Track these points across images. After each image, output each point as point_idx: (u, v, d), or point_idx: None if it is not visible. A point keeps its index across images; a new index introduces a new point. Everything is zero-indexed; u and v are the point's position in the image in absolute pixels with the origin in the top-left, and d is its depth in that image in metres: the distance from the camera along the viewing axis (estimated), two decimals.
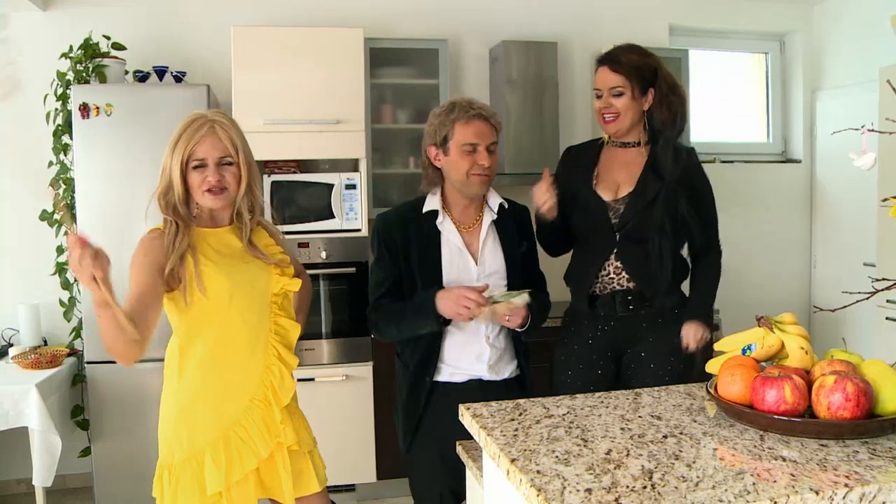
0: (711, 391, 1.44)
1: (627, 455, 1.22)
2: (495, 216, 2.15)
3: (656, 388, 1.62)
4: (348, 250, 3.48)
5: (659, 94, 2.19)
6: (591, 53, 4.09)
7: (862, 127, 1.60)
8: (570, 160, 2.38)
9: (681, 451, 1.23)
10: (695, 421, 1.39)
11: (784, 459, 1.19)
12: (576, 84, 4.14)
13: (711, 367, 1.58)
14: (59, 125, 3.36)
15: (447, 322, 2.03)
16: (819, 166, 4.60)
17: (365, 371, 3.48)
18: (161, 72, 3.54)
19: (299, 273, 2.02)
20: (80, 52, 3.37)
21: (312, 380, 3.39)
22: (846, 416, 1.25)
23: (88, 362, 3.27)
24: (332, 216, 3.46)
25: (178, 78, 3.54)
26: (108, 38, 3.45)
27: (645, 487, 1.08)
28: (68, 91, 3.29)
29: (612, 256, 2.21)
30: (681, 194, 2.17)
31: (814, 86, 4.59)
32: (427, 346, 2.10)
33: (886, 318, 3.53)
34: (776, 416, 1.29)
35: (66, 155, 3.39)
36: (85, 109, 3.18)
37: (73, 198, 3.30)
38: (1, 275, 3.60)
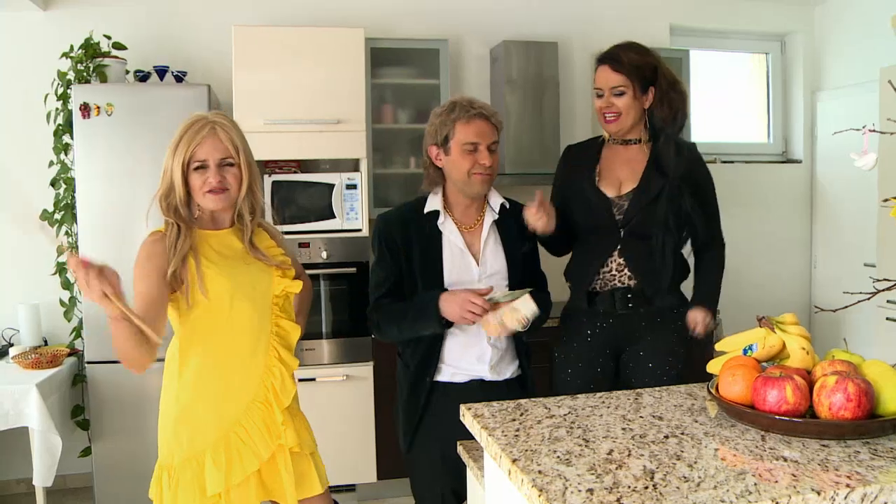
0: (713, 391, 1.44)
1: (629, 455, 1.22)
2: (496, 216, 2.15)
3: (657, 389, 1.62)
4: (349, 250, 3.48)
5: (659, 92, 2.19)
6: (591, 53, 4.09)
7: (863, 127, 1.60)
8: (571, 158, 2.38)
9: (682, 451, 1.23)
10: (696, 421, 1.39)
11: (785, 460, 1.19)
12: (576, 84, 4.14)
13: (712, 367, 1.58)
14: (59, 125, 3.36)
15: (450, 324, 2.03)
16: (819, 167, 4.60)
17: (365, 371, 3.48)
18: (162, 71, 3.55)
19: (300, 275, 2.02)
20: (80, 51, 3.37)
21: (313, 380, 3.39)
22: (847, 416, 1.25)
23: (89, 362, 3.27)
24: (332, 216, 3.46)
25: (179, 78, 3.54)
26: (108, 37, 3.46)
27: (647, 488, 1.08)
28: (69, 91, 3.29)
29: (616, 253, 2.21)
30: (685, 190, 2.18)
31: (814, 86, 4.59)
32: (428, 346, 2.10)
33: (887, 319, 3.52)
34: (777, 417, 1.29)
35: (66, 155, 3.39)
36: (85, 109, 3.18)
37: (73, 198, 3.30)
38: (1, 275, 3.60)
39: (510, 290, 2.09)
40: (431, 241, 2.10)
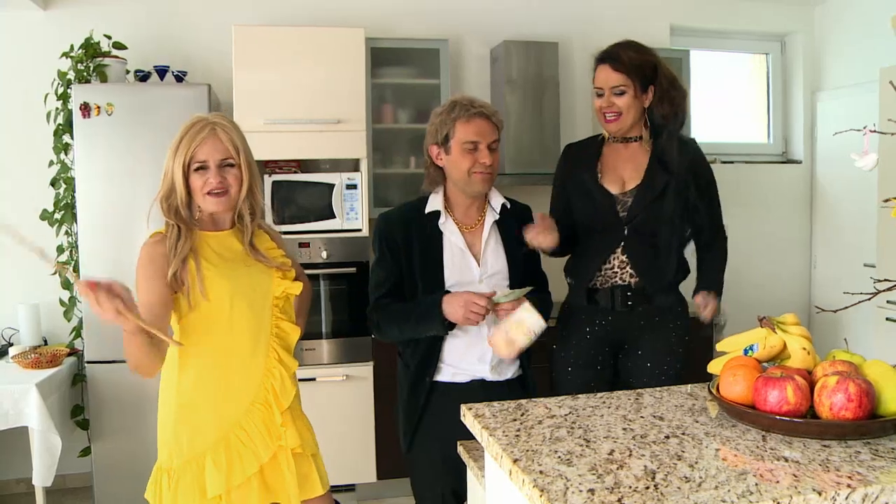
0: (713, 391, 1.44)
1: (630, 455, 1.22)
2: (497, 216, 2.15)
3: (658, 389, 1.62)
4: (349, 250, 3.48)
5: (659, 91, 2.19)
6: (591, 54, 4.06)
7: (864, 128, 1.60)
8: (571, 156, 2.38)
9: (683, 451, 1.23)
10: (697, 421, 1.39)
11: (786, 460, 1.19)
12: (576, 84, 4.14)
13: (713, 367, 1.58)
14: (59, 124, 3.36)
15: (452, 326, 2.03)
16: (819, 167, 4.61)
17: (365, 371, 3.48)
18: (162, 71, 3.54)
19: (299, 276, 2.02)
20: (80, 51, 3.37)
21: (313, 380, 3.39)
22: (848, 416, 1.25)
23: (88, 362, 3.27)
24: (332, 216, 3.46)
25: (179, 77, 3.54)
26: (108, 37, 3.45)
27: (648, 488, 1.08)
28: (69, 90, 3.29)
29: (619, 250, 2.21)
30: (689, 185, 2.18)
31: (814, 86, 4.59)
32: (428, 346, 2.10)
33: (886, 319, 3.53)
34: (778, 417, 1.29)
35: (66, 154, 3.39)
36: (86, 109, 3.18)
37: (73, 197, 3.30)
38: (1, 274, 3.59)
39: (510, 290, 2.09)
40: (432, 242, 2.10)
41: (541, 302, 2.12)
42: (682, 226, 2.21)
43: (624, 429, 1.35)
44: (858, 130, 1.61)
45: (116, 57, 3.44)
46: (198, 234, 1.86)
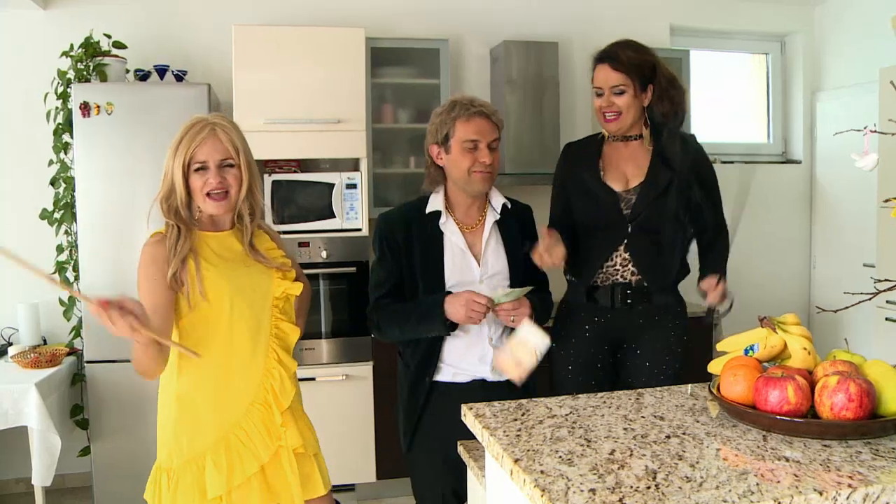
0: (714, 391, 1.44)
1: (631, 455, 1.22)
2: (498, 216, 2.15)
3: (658, 389, 1.62)
4: (349, 250, 3.48)
5: (659, 89, 2.19)
6: (591, 54, 4.08)
7: (864, 128, 1.60)
8: (571, 155, 2.37)
9: (684, 451, 1.23)
10: (697, 421, 1.39)
11: (787, 460, 1.19)
12: (576, 84, 4.14)
13: (713, 367, 1.58)
14: (59, 124, 3.36)
15: (454, 327, 2.03)
16: (819, 167, 4.61)
17: (365, 371, 3.48)
18: (162, 71, 3.54)
19: (298, 277, 2.02)
20: (80, 50, 3.37)
21: (313, 379, 3.39)
22: (849, 416, 1.25)
23: (88, 361, 3.26)
24: (332, 216, 3.46)
25: (179, 77, 3.53)
26: (108, 36, 3.45)
27: (649, 488, 1.08)
28: (69, 90, 3.29)
29: (622, 248, 2.21)
30: (692, 183, 2.18)
31: (814, 86, 4.59)
32: (428, 346, 2.10)
33: (886, 319, 3.53)
34: (779, 417, 1.29)
35: (66, 154, 3.38)
36: (85, 108, 3.18)
37: (73, 197, 3.29)
38: (0, 274, 3.59)
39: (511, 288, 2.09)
40: (433, 242, 2.10)
41: (541, 302, 2.13)
42: (686, 223, 2.21)
43: (625, 429, 1.35)
44: (859, 131, 1.61)
45: (116, 56, 3.44)
46: (197, 235, 1.86)
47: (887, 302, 3.42)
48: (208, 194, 1.81)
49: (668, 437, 1.31)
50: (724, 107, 4.71)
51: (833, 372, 1.32)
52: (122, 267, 3.14)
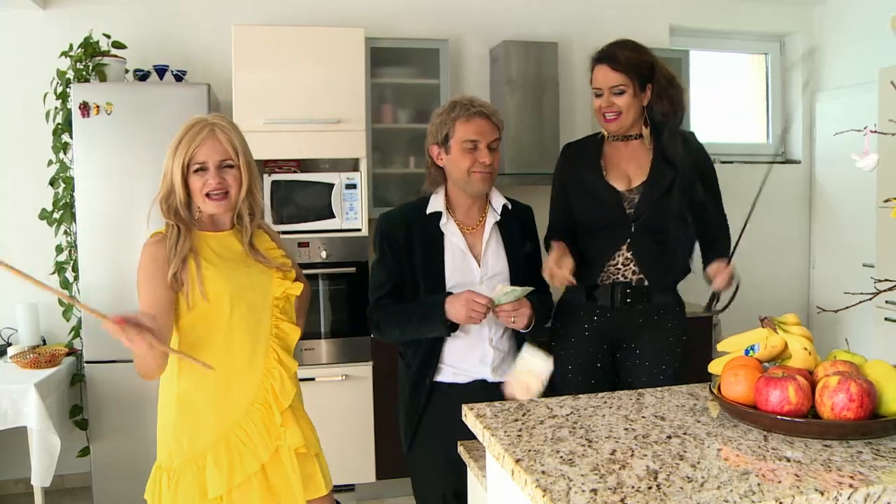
0: (715, 392, 1.44)
1: (632, 455, 1.22)
2: (498, 217, 2.15)
3: (659, 389, 1.62)
4: (348, 250, 3.48)
5: (658, 88, 2.20)
6: (590, 54, 4.10)
7: (864, 128, 1.60)
8: (571, 155, 2.37)
9: (685, 451, 1.23)
10: (698, 421, 1.39)
11: (788, 460, 1.19)
12: (576, 84, 4.14)
13: (714, 367, 1.58)
14: (58, 124, 3.35)
15: (455, 328, 2.03)
16: (818, 167, 4.61)
17: (364, 371, 3.48)
18: (161, 71, 3.54)
19: (297, 277, 2.03)
20: (80, 50, 3.37)
21: (312, 379, 3.38)
22: (850, 416, 1.25)
23: (87, 362, 3.26)
24: (332, 216, 3.46)
25: (179, 77, 3.53)
26: (108, 36, 3.45)
27: (650, 488, 1.08)
28: (68, 90, 3.29)
29: (624, 247, 2.21)
30: (695, 182, 2.18)
31: (813, 87, 4.59)
32: (428, 347, 2.10)
33: (885, 319, 3.53)
34: (780, 417, 1.29)
35: (65, 154, 3.38)
36: (85, 108, 3.18)
37: (72, 197, 3.29)
38: None
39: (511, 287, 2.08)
40: (433, 242, 2.10)
41: (541, 303, 2.12)
42: (689, 222, 2.20)
43: (626, 429, 1.35)
44: (859, 131, 1.61)
45: (116, 56, 3.43)
46: (197, 235, 1.86)
47: (886, 302, 3.42)
48: (207, 195, 1.81)
49: (669, 437, 1.31)
50: (723, 107, 4.71)
51: (834, 372, 1.32)
52: (122, 267, 3.14)
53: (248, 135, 1.93)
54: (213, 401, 1.83)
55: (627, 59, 2.18)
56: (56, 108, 3.36)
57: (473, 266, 2.11)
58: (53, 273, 3.40)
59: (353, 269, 3.46)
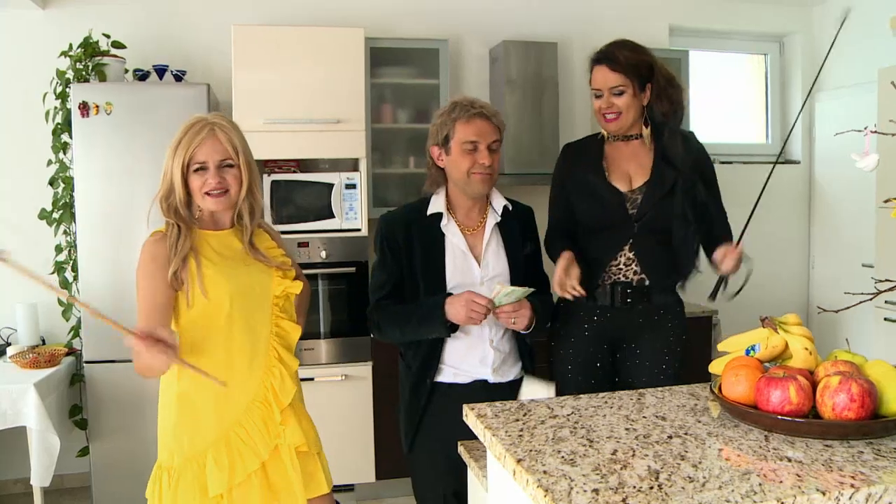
0: (715, 392, 1.44)
1: (633, 455, 1.22)
2: (499, 218, 2.15)
3: (660, 389, 1.62)
4: (348, 250, 3.47)
5: (657, 88, 2.20)
6: (590, 54, 4.10)
7: (865, 128, 1.60)
8: (571, 155, 2.37)
9: (686, 451, 1.23)
10: (699, 421, 1.39)
11: (789, 460, 1.19)
12: (575, 84, 4.14)
13: (715, 367, 1.58)
14: (58, 124, 3.35)
15: (455, 328, 2.03)
16: (818, 167, 4.61)
17: (364, 371, 3.48)
18: (161, 70, 3.54)
19: (297, 275, 2.03)
20: (79, 50, 3.36)
21: (312, 379, 3.38)
22: (851, 416, 1.25)
23: (87, 362, 3.26)
24: (331, 216, 3.46)
25: (178, 77, 3.53)
26: (107, 36, 3.45)
27: (652, 488, 1.08)
28: (68, 89, 3.28)
29: (626, 247, 2.21)
30: (696, 182, 2.18)
31: (813, 87, 4.58)
32: (429, 347, 2.10)
33: (885, 319, 3.53)
34: (781, 417, 1.29)
35: (65, 154, 3.38)
36: (84, 108, 3.17)
37: (72, 197, 3.29)
38: None
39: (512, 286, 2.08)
40: (434, 243, 2.10)
41: (542, 304, 2.12)
42: (692, 221, 2.19)
43: (626, 429, 1.35)
44: (859, 131, 1.62)
45: (115, 56, 3.43)
46: (198, 233, 1.87)
47: (886, 302, 3.42)
48: (207, 192, 1.81)
49: (670, 437, 1.31)
50: (723, 107, 4.71)
51: (835, 372, 1.32)
52: (121, 267, 3.14)
53: (248, 135, 1.93)
54: (214, 400, 1.83)
55: (626, 59, 2.17)
56: (55, 107, 3.35)
57: (474, 267, 2.11)
58: (53, 273, 3.39)
59: (352, 269, 3.46)
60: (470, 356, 2.10)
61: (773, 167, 2.16)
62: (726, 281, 2.12)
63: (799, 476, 1.12)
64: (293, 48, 3.39)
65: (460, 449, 1.77)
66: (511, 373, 2.15)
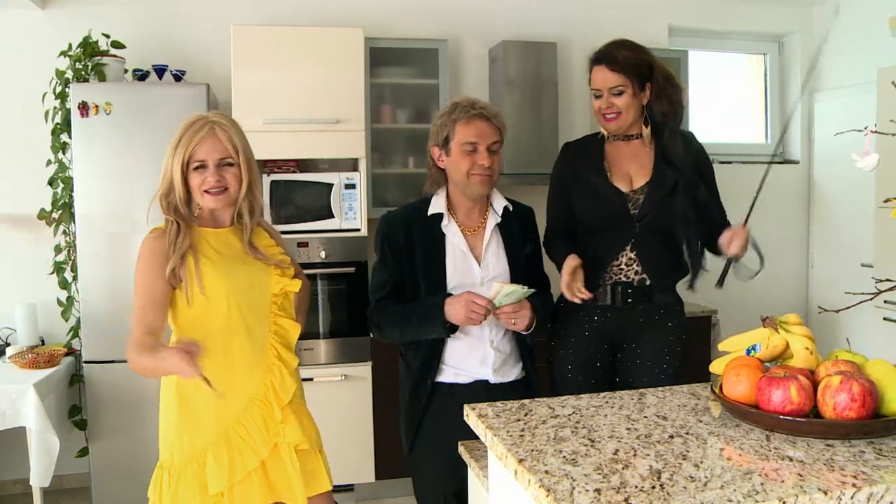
0: (716, 391, 1.44)
1: (635, 455, 1.22)
2: (499, 219, 2.15)
3: (660, 389, 1.63)
4: (347, 250, 3.47)
5: (657, 88, 2.20)
6: (589, 54, 4.10)
7: (865, 128, 1.60)
8: (572, 154, 2.36)
9: (688, 451, 1.24)
10: (700, 421, 1.40)
11: (791, 459, 1.19)
12: (575, 84, 4.14)
13: (716, 367, 1.58)
14: (57, 124, 3.35)
15: (454, 329, 2.03)
16: (817, 167, 4.62)
17: (364, 371, 3.48)
18: (160, 70, 3.54)
19: (297, 274, 2.03)
20: (79, 50, 3.36)
21: (311, 380, 3.38)
22: (852, 416, 1.25)
23: (86, 362, 3.25)
24: (331, 216, 3.46)
25: (178, 77, 3.53)
26: (107, 36, 3.44)
27: (654, 487, 1.08)
28: (67, 89, 3.28)
29: (628, 248, 2.21)
30: (697, 181, 2.18)
31: (812, 87, 4.60)
32: (429, 348, 2.10)
33: (884, 319, 3.54)
34: (782, 417, 1.29)
35: (64, 154, 3.37)
36: (84, 108, 3.17)
37: (71, 197, 3.28)
38: None
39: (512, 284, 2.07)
40: (434, 243, 2.10)
41: (542, 305, 2.12)
42: (695, 221, 2.19)
43: (628, 428, 1.35)
44: (860, 131, 1.62)
45: (115, 56, 3.43)
46: (197, 231, 1.87)
47: (885, 302, 3.43)
48: (206, 191, 1.82)
49: (671, 436, 1.31)
50: (722, 107, 4.72)
51: (836, 372, 1.32)
52: (121, 267, 3.13)
53: (248, 135, 1.93)
54: (213, 398, 1.83)
55: (626, 58, 2.17)
56: (55, 107, 3.35)
57: (474, 267, 2.11)
58: (52, 273, 3.39)
59: (352, 270, 3.46)
60: (470, 357, 2.10)
61: (769, 167, 2.14)
62: (733, 262, 2.07)
63: (801, 476, 1.12)
64: (293, 48, 3.39)
65: (461, 449, 1.76)
66: (512, 373, 2.15)
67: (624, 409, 1.47)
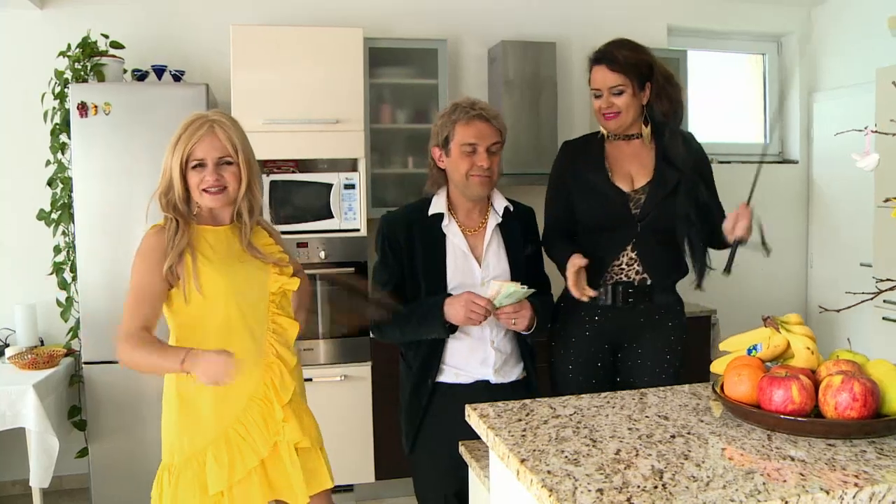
0: (718, 391, 1.44)
1: (637, 455, 1.22)
2: (500, 219, 2.15)
3: (661, 388, 1.63)
4: (347, 250, 3.47)
5: (656, 87, 2.19)
6: (588, 54, 4.10)
7: (865, 128, 1.60)
8: (572, 152, 2.35)
9: (689, 450, 1.24)
10: (701, 421, 1.40)
11: (792, 459, 1.19)
12: (574, 84, 4.14)
13: (717, 367, 1.58)
14: (56, 124, 3.34)
15: (454, 329, 2.02)
16: (816, 167, 4.62)
17: (363, 371, 3.47)
18: (160, 71, 3.53)
19: (297, 272, 2.03)
20: (78, 50, 3.36)
21: (310, 380, 3.37)
22: (853, 415, 1.26)
23: (86, 362, 3.25)
24: (330, 216, 3.45)
25: (177, 77, 3.53)
26: (106, 36, 3.44)
27: (656, 487, 1.08)
28: (66, 90, 3.27)
29: (629, 247, 2.21)
30: (698, 181, 2.18)
31: (811, 87, 4.60)
32: (430, 348, 2.10)
33: (883, 319, 3.54)
34: (783, 416, 1.29)
35: (63, 154, 3.37)
36: (83, 108, 3.17)
37: (70, 197, 3.28)
38: None
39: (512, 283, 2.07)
40: (435, 244, 2.10)
41: (542, 305, 2.12)
42: (696, 221, 2.19)
43: (629, 428, 1.36)
44: (860, 131, 1.62)
45: (114, 56, 3.42)
46: (195, 229, 1.87)
47: (885, 301, 3.43)
48: (205, 189, 1.82)
49: (672, 436, 1.31)
50: (721, 107, 4.72)
51: (837, 371, 1.32)
52: (120, 267, 3.12)
53: (247, 135, 1.93)
54: (213, 397, 1.83)
55: (625, 58, 2.17)
56: (54, 108, 3.34)
57: (475, 267, 2.11)
58: (51, 273, 3.39)
59: (351, 270, 3.46)
60: (471, 357, 2.10)
61: (760, 166, 2.10)
62: (741, 244, 2.04)
63: (802, 475, 1.12)
64: (292, 48, 3.39)
65: (461, 449, 1.76)
66: (513, 373, 2.15)
67: (625, 409, 1.47)
